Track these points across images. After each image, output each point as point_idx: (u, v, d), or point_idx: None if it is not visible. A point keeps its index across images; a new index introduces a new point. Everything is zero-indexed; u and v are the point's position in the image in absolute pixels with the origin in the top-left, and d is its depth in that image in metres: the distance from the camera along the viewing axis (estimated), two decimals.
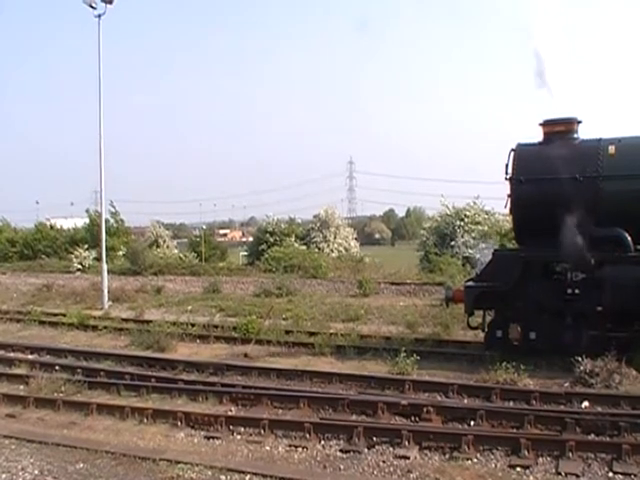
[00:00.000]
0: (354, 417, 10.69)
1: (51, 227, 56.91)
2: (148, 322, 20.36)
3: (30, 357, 16.84)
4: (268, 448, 9.55)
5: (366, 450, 9.26)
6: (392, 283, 27.69)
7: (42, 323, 22.49)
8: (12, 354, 17.32)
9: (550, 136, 14.91)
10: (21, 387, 13.69)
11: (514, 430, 9.70)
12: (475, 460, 8.75)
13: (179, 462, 8.80)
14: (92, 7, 25.94)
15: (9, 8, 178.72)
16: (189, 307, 24.17)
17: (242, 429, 10.30)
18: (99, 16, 26.21)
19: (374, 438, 9.55)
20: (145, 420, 10.95)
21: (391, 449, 9.24)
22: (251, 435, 10.07)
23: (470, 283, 15.13)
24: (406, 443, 9.24)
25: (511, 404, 11.13)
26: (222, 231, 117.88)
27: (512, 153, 14.92)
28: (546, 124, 14.99)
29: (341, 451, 9.32)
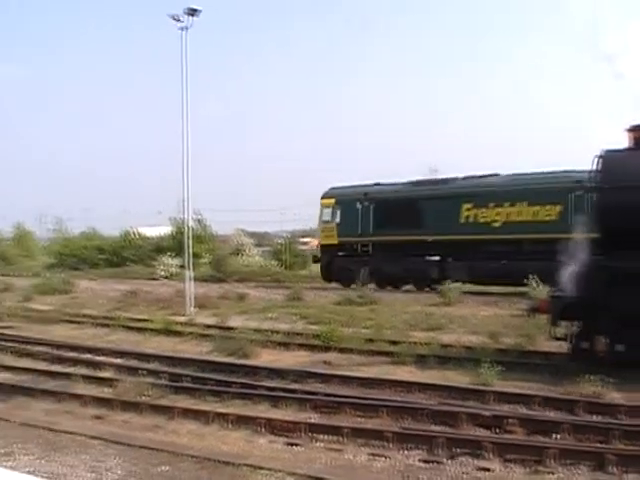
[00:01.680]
0: (435, 427, 10.60)
1: (137, 235, 58.26)
2: (231, 329, 20.58)
3: (117, 361, 17.22)
4: (349, 456, 9.54)
5: (447, 461, 9.15)
6: (474, 292, 27.38)
7: (128, 328, 23.05)
8: (100, 358, 17.78)
9: None
10: (108, 390, 13.93)
11: (600, 445, 9.48)
12: (559, 474, 8.57)
13: (261, 468, 8.83)
14: (177, 20, 26.47)
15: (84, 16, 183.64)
16: (271, 314, 24.38)
17: (323, 437, 10.31)
18: (184, 29, 26.74)
19: (455, 449, 9.45)
20: (228, 425, 11.07)
21: (473, 461, 9.11)
22: (332, 443, 10.08)
23: (556, 293, 14.84)
24: (488, 455, 9.12)
25: (597, 418, 10.87)
26: (304, 239, 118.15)
27: (598, 160, 14.53)
28: (635, 129, 14.59)
29: (422, 461, 9.23)
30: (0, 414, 12.19)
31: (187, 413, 11.81)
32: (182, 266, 36.63)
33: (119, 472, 8.80)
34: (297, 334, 19.75)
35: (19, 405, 13.20)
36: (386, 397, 12.32)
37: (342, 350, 17.27)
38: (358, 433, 10.21)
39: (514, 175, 30.16)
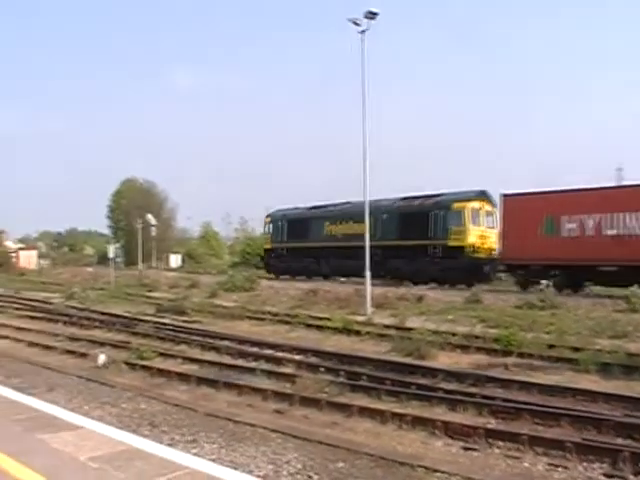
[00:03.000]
0: (619, 440, 10.15)
1: None
2: (409, 329, 20.63)
3: (297, 357, 17.67)
4: (527, 464, 9.35)
5: (632, 477, 8.75)
6: None
7: (308, 326, 23.65)
8: (281, 354, 18.31)
9: None
10: (288, 385, 14.33)
11: None
12: None
13: (436, 470, 8.81)
14: (356, 24, 26.97)
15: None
16: (450, 316, 24.22)
17: (501, 443, 10.13)
18: (363, 32, 27.23)
19: None
20: (404, 426, 11.13)
21: None
22: (510, 450, 9.90)
23: None
24: None
25: None
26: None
27: None
28: None
29: (604, 475, 8.87)
30: (187, 404, 12.89)
31: (364, 411, 11.97)
32: None
33: (297, 466, 9.03)
34: (475, 337, 19.47)
35: (204, 396, 13.91)
36: (567, 406, 11.93)
37: (522, 355, 16.91)
38: (537, 441, 9.96)
39: (354, 202, 41.72)
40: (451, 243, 36.98)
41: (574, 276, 31.76)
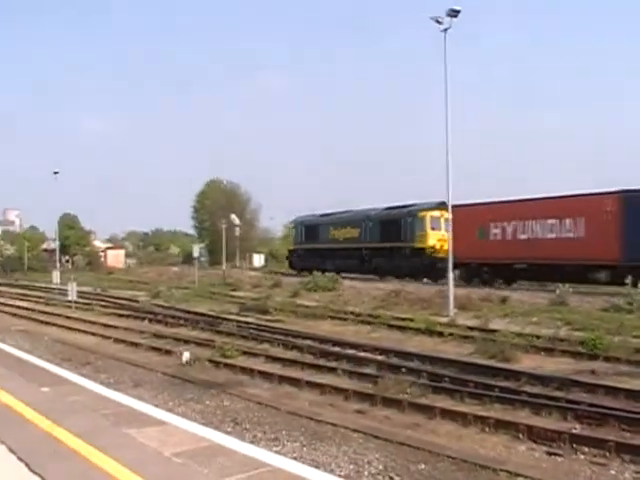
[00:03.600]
0: None
1: None
2: (493, 331, 20.42)
3: (379, 358, 17.68)
4: (613, 472, 9.14)
5: None
6: None
7: (390, 327, 23.64)
8: (362, 354, 18.37)
9: None
10: (369, 386, 14.36)
11: None
12: None
13: (519, 475, 8.72)
14: (438, 22, 26.75)
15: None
16: (534, 318, 23.80)
17: (586, 449, 9.93)
18: (445, 30, 27.00)
19: None
20: (487, 429, 11.04)
21: None
22: (595, 456, 9.68)
23: None
24: None
25: None
26: None
27: None
28: None
29: None
30: (269, 402, 13.08)
31: (446, 413, 11.93)
32: None
33: (379, 467, 9.05)
34: (560, 340, 19.12)
35: (286, 394, 14.07)
36: None
37: (608, 359, 16.54)
38: (624, 448, 9.73)
39: (354, 211, 53.54)
40: (416, 245, 44.30)
41: (499, 273, 37.66)
